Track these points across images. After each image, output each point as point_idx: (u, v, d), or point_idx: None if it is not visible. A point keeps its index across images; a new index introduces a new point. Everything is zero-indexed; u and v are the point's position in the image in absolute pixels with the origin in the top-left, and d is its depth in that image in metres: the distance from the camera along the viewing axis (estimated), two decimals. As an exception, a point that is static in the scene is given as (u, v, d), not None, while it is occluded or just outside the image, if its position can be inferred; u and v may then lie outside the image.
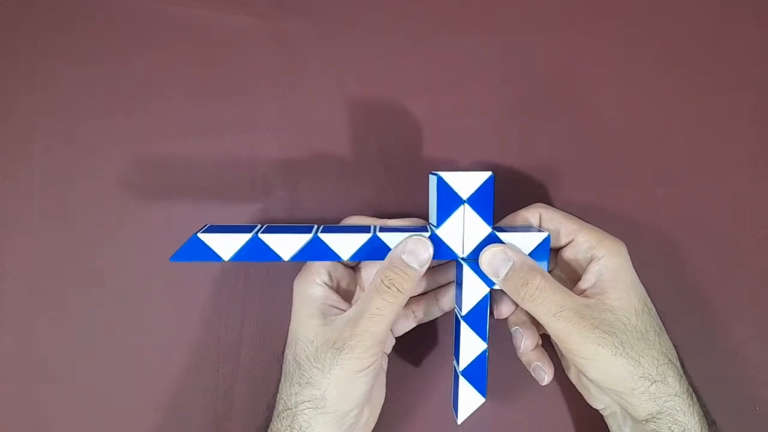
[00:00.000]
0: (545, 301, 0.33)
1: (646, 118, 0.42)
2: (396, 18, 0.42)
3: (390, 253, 0.34)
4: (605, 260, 0.35)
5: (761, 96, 0.42)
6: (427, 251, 0.33)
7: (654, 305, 0.35)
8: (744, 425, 0.42)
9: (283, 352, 0.36)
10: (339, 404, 0.33)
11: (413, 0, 0.42)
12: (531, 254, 0.35)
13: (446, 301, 0.39)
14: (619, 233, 0.41)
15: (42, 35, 0.41)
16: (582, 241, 0.36)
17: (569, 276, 0.37)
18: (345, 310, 0.35)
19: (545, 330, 0.35)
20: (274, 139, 0.41)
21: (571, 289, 0.35)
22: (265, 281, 0.41)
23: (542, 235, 0.35)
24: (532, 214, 0.37)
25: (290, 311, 0.36)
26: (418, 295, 0.39)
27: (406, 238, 0.34)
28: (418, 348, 0.42)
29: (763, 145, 0.42)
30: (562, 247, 0.37)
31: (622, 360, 0.32)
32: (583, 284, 0.35)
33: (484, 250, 0.34)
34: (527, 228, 0.36)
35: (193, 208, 0.41)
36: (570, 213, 0.37)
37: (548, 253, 0.35)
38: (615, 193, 0.42)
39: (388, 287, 0.33)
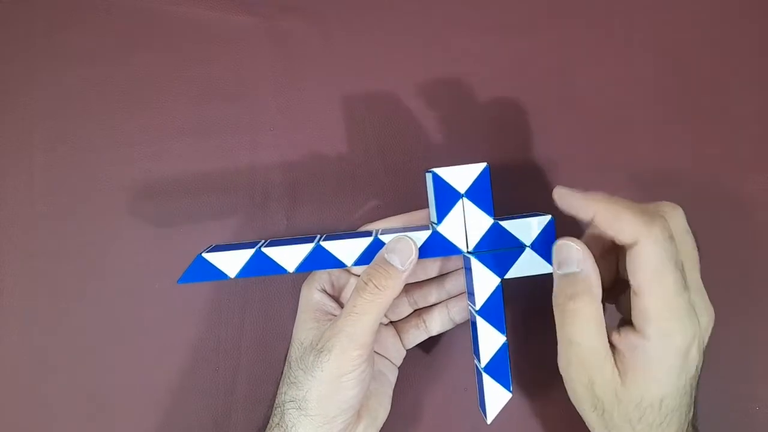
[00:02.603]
0: (575, 327, 0.30)
1: (646, 117, 0.42)
2: (396, 18, 0.42)
3: (377, 253, 0.34)
4: (655, 341, 0.29)
5: (761, 96, 0.42)
6: (410, 249, 0.33)
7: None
8: (744, 425, 0.42)
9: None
10: (320, 408, 0.32)
11: (413, 0, 0.42)
12: (536, 239, 0.34)
13: (457, 312, 0.38)
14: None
15: (42, 35, 0.41)
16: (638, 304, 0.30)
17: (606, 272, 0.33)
18: None
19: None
20: (273, 139, 0.41)
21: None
22: (265, 281, 0.41)
23: (545, 219, 0.34)
24: (585, 207, 0.31)
25: (290, 312, 0.37)
26: (429, 306, 0.39)
27: (392, 238, 0.34)
28: (424, 358, 0.42)
29: (763, 145, 0.42)
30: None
31: None
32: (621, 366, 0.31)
33: (561, 239, 0.32)
34: (529, 213, 0.36)
35: (192, 207, 0.41)
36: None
37: (554, 237, 0.34)
38: (615, 193, 0.42)
39: (365, 283, 0.32)
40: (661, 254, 0.28)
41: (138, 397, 0.41)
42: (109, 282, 0.41)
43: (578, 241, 0.31)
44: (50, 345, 0.41)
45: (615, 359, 0.31)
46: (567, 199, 0.31)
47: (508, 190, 0.41)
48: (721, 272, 0.42)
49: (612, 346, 0.31)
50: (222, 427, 0.41)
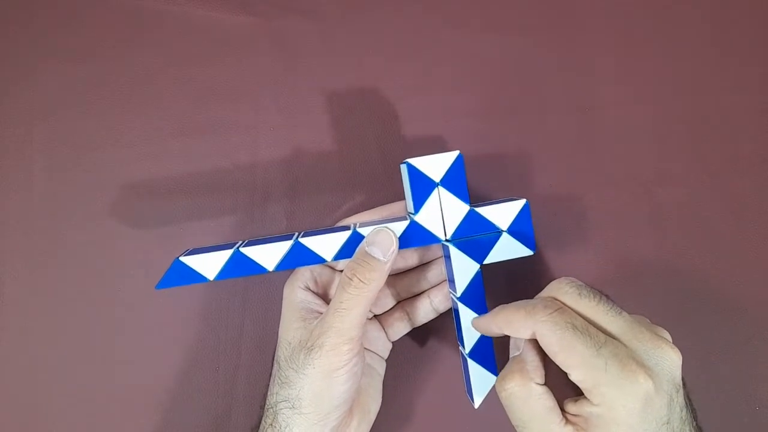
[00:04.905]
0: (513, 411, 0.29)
1: (646, 118, 0.42)
2: (395, 18, 0.42)
3: (357, 247, 0.34)
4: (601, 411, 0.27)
5: (761, 96, 0.42)
6: (390, 240, 0.33)
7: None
8: (744, 425, 0.42)
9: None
10: (315, 405, 0.32)
11: (413, 0, 0.42)
12: (512, 223, 0.35)
13: (440, 301, 0.38)
14: (618, 233, 0.41)
15: (42, 35, 0.41)
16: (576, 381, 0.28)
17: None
18: None
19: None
20: (273, 138, 0.41)
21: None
22: (265, 281, 0.41)
23: (521, 203, 0.35)
24: (489, 327, 0.32)
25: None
26: (412, 297, 0.39)
27: (371, 230, 0.34)
28: (413, 350, 0.42)
29: (763, 145, 0.42)
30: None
31: None
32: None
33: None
34: (505, 198, 0.36)
35: (193, 207, 0.41)
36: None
37: (530, 221, 0.35)
38: (614, 193, 0.42)
39: (350, 278, 0.32)
40: (552, 327, 0.28)
41: (138, 398, 0.41)
42: (108, 282, 0.41)
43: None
44: (50, 345, 0.41)
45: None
46: (476, 326, 0.34)
47: (507, 191, 0.41)
48: (721, 272, 0.42)
49: (572, 415, 0.29)
50: (222, 427, 0.41)
